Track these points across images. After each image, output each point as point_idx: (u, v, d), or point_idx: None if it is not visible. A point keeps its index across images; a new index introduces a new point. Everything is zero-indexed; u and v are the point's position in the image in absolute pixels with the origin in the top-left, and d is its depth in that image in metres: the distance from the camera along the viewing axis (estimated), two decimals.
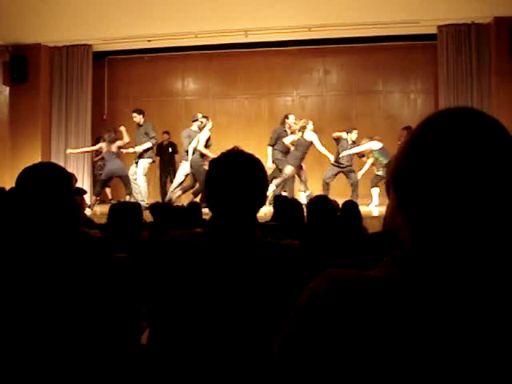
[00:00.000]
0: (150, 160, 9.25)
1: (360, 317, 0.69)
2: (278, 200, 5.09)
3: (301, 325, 0.74)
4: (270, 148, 9.02)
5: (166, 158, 10.82)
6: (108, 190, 10.73)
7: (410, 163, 0.75)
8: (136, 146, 9.16)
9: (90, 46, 10.72)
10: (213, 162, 1.60)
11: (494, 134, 0.73)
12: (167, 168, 10.78)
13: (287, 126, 9.05)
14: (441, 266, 0.71)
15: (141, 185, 9.13)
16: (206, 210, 4.45)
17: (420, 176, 0.73)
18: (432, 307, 0.69)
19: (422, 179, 0.73)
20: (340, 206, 4.74)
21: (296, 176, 9.03)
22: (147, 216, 4.24)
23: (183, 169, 9.06)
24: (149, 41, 10.27)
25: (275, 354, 0.77)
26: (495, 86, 9.14)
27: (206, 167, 8.39)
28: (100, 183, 9.52)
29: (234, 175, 1.53)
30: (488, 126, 0.73)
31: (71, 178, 1.65)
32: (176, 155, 10.68)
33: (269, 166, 8.59)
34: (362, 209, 4.84)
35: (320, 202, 3.89)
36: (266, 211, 6.55)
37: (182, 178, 9.08)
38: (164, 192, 10.35)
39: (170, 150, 10.83)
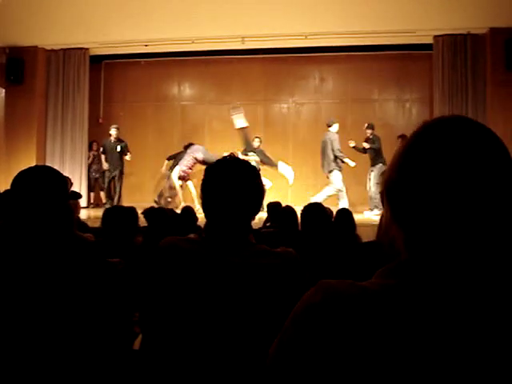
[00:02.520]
0: None
1: (355, 328, 0.69)
2: (272, 207, 5.09)
3: (295, 336, 0.74)
4: None
5: (113, 156, 9.98)
6: (102, 194, 10.67)
7: (403, 173, 0.75)
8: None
9: (86, 49, 10.74)
10: (208, 169, 1.60)
11: (486, 143, 0.73)
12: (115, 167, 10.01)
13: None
14: (437, 276, 0.71)
15: None
16: (200, 216, 4.45)
17: (413, 185, 0.73)
18: (431, 318, 0.68)
19: (416, 189, 0.73)
20: (334, 213, 4.75)
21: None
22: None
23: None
24: (146, 45, 10.30)
25: (269, 363, 0.77)
26: (490, 96, 9.21)
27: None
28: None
29: (229, 182, 1.53)
30: (481, 135, 0.73)
31: (66, 181, 1.65)
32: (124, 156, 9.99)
33: None
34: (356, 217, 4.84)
35: (314, 210, 3.88)
36: None
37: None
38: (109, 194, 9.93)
39: (119, 148, 9.92)
